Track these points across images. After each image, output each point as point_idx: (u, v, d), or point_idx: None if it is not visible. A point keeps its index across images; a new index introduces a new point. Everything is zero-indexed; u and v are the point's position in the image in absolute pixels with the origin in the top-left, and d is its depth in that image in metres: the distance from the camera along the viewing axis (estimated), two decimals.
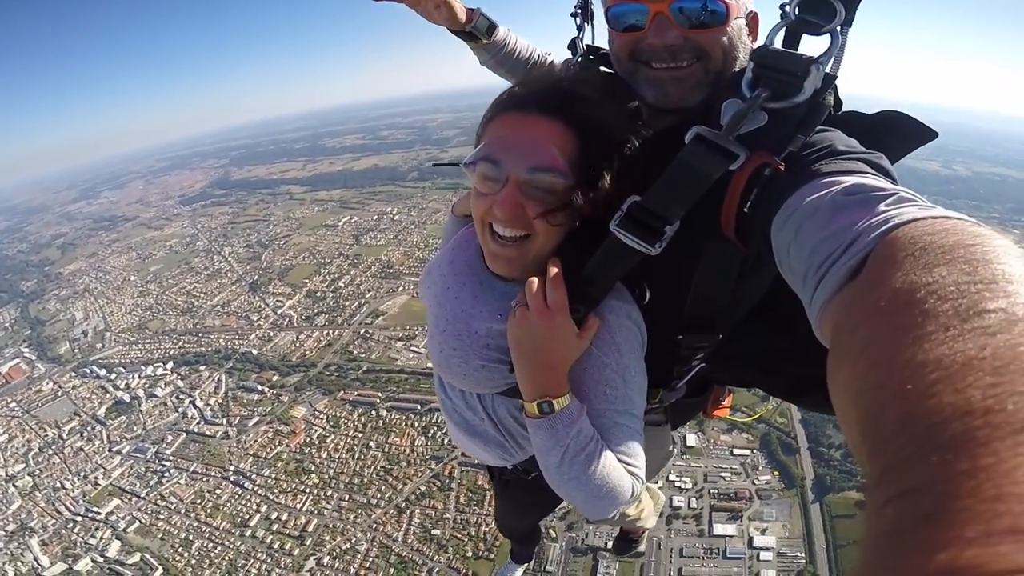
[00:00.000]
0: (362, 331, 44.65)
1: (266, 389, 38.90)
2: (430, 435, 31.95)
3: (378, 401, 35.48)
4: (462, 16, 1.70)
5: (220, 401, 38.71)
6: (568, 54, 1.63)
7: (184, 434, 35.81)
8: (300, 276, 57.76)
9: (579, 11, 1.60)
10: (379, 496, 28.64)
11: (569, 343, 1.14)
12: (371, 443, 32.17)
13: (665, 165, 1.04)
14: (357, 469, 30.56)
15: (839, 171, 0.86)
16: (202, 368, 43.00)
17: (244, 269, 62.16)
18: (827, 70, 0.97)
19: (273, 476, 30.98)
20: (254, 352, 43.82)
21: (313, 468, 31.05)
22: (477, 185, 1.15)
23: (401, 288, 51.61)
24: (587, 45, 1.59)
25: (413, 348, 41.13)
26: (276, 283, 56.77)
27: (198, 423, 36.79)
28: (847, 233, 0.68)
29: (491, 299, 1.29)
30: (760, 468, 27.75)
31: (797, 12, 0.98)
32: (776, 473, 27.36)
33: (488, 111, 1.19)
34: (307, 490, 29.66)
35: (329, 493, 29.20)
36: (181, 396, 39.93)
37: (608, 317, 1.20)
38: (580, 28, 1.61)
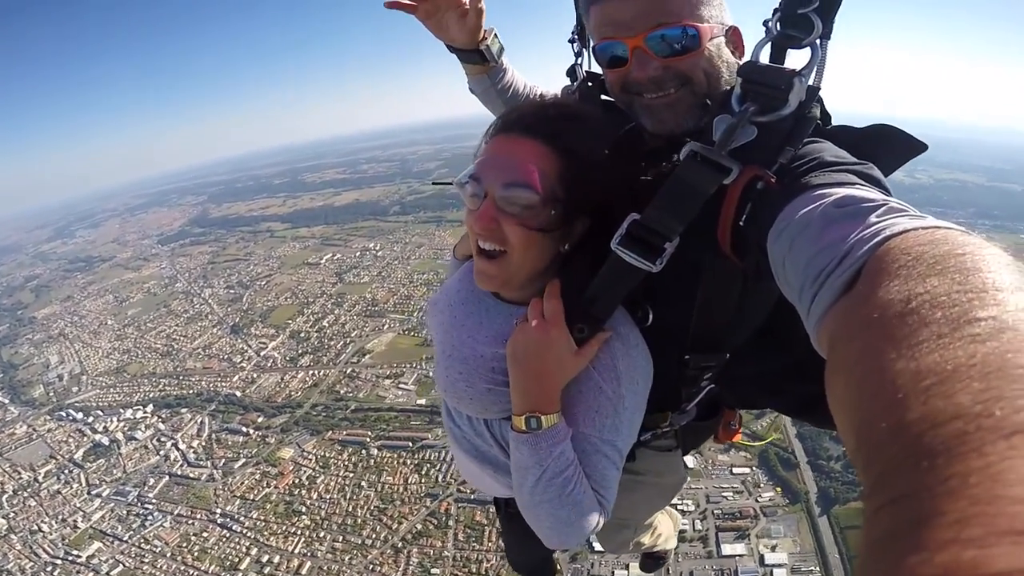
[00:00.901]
0: (349, 370, 46.22)
1: (251, 431, 39.93)
2: (424, 472, 33.06)
3: (368, 440, 36.68)
4: (479, 32, 1.66)
5: (204, 443, 39.66)
6: (567, 80, 1.67)
7: (167, 477, 36.53)
8: (283, 317, 59.33)
9: (576, 37, 1.62)
10: (374, 536, 29.45)
11: (564, 358, 1.16)
12: (363, 482, 33.18)
13: (661, 183, 1.11)
14: (350, 509, 31.42)
15: (830, 183, 0.90)
16: (184, 411, 44.04)
17: (225, 311, 63.56)
18: (810, 82, 1.04)
19: (262, 518, 31.76)
20: (238, 394, 45.02)
21: (304, 509, 31.89)
22: (466, 202, 1.20)
23: (387, 326, 53.54)
24: (586, 71, 1.61)
25: (402, 385, 42.70)
26: (259, 325, 58.19)
27: (181, 465, 37.59)
28: (840, 246, 0.71)
29: (496, 324, 1.33)
30: (761, 485, 28.75)
31: (779, 28, 1.05)
32: (778, 489, 28.52)
33: (483, 136, 1.26)
34: (299, 532, 30.40)
35: (322, 535, 29.96)
36: (163, 439, 40.82)
37: (614, 344, 1.22)
38: (578, 54, 1.64)
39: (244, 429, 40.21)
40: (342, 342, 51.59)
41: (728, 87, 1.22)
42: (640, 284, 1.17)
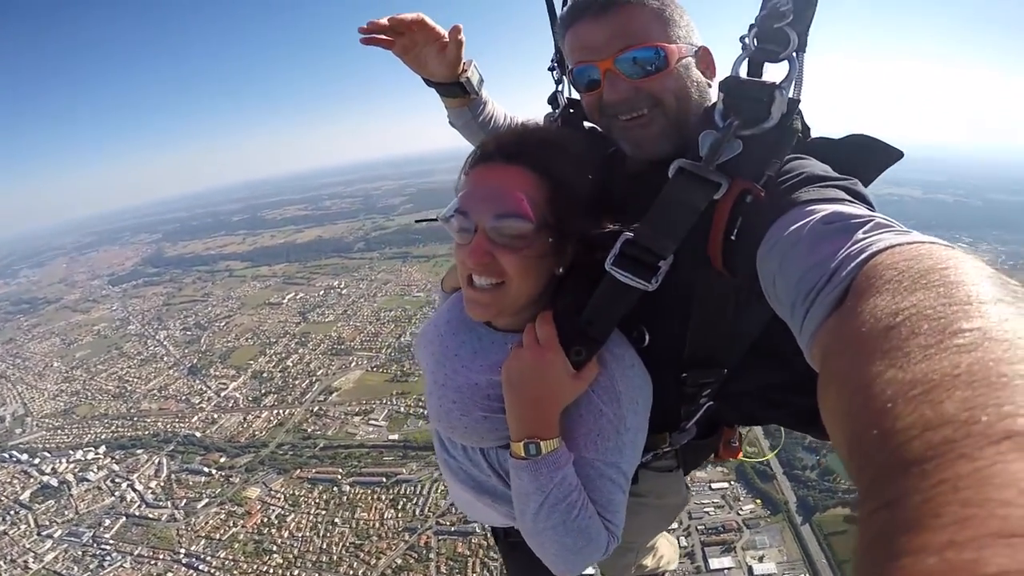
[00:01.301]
0: (315, 408, 46.03)
1: (214, 471, 39.28)
2: (400, 507, 33.05)
3: (339, 477, 36.54)
4: (458, 65, 1.66)
5: (163, 484, 38.75)
6: (549, 108, 1.70)
7: (124, 518, 35.45)
8: (244, 358, 58.73)
9: (556, 64, 1.65)
10: (352, 572, 29.24)
11: (561, 381, 1.16)
12: (336, 519, 32.95)
13: (650, 203, 1.13)
14: (324, 547, 31.10)
15: (817, 199, 0.93)
16: (139, 452, 42.93)
17: (182, 353, 62.41)
18: (790, 95, 1.06)
19: (231, 557, 31.15)
20: (197, 434, 44.18)
21: (275, 548, 31.41)
22: (455, 237, 1.21)
23: (354, 363, 53.68)
24: (568, 98, 1.63)
25: (372, 422, 42.81)
26: (218, 366, 57.42)
27: (139, 506, 36.70)
28: (829, 263, 0.74)
29: (491, 353, 1.32)
30: (741, 498, 29.51)
31: (756, 43, 1.07)
32: (759, 501, 29.33)
33: (463, 167, 1.26)
34: (271, 570, 30.02)
35: (296, 573, 29.66)
36: (117, 480, 39.70)
37: (612, 365, 1.22)
38: (559, 81, 1.66)
39: (206, 469, 39.58)
40: (307, 381, 51.38)
41: (700, 107, 1.27)
42: (635, 305, 1.18)
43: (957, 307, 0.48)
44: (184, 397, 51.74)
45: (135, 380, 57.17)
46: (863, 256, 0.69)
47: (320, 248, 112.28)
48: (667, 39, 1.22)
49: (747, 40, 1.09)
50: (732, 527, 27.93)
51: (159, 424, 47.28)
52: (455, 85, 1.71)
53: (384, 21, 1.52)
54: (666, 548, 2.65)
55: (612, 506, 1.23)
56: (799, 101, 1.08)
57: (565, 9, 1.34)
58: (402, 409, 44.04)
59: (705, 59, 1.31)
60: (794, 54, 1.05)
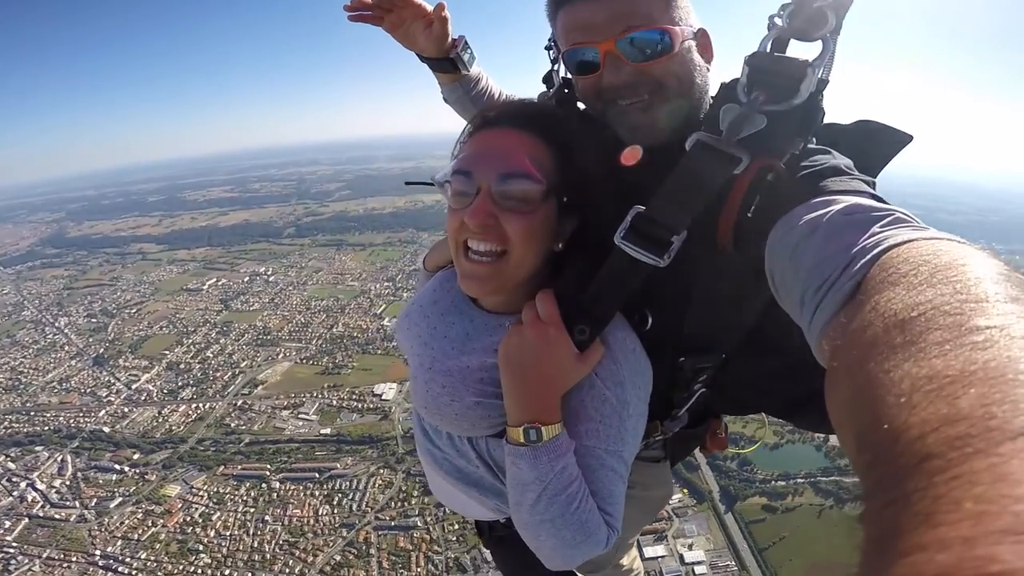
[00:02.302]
0: (239, 403, 44.85)
1: (126, 468, 37.72)
2: (336, 503, 32.89)
3: (268, 473, 35.88)
4: (448, 41, 1.74)
5: (68, 483, 36.83)
6: (544, 87, 1.69)
7: (26, 519, 33.62)
8: (158, 347, 56.16)
9: (553, 44, 1.62)
10: (288, 570, 28.89)
11: (565, 362, 1.12)
12: (267, 517, 32.45)
13: (650, 184, 1.12)
14: (256, 545, 30.56)
15: (840, 190, 0.94)
16: (39, 449, 40.51)
17: (86, 342, 58.80)
18: (820, 75, 1.04)
19: (153, 558, 30.16)
20: (105, 430, 42.16)
21: (201, 547, 30.60)
22: (451, 202, 1.17)
23: (281, 355, 52.50)
24: (563, 77, 1.61)
25: (302, 416, 42.19)
26: (128, 356, 54.70)
27: (43, 506, 34.70)
28: (843, 255, 0.74)
29: (484, 334, 1.28)
30: None
31: (789, 21, 1.05)
32: (685, 491, 31.33)
33: (460, 136, 1.26)
34: (198, 571, 29.26)
35: (227, 572, 29.06)
36: (14, 479, 37.32)
37: (615, 348, 1.19)
38: (555, 61, 1.64)
39: (117, 466, 37.90)
40: (230, 373, 49.91)
41: (701, 92, 1.27)
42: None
43: (975, 304, 0.48)
44: (89, 390, 49.01)
45: (31, 372, 53.23)
46: (878, 250, 0.69)
47: (246, 232, 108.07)
48: (671, 20, 1.19)
49: (779, 20, 1.07)
50: (662, 516, 29.01)
51: (60, 419, 44.55)
52: (446, 61, 1.81)
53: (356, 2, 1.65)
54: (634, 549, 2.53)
55: (612, 498, 1.19)
56: (828, 82, 1.07)
57: None
58: (334, 403, 43.76)
59: (704, 42, 1.29)
60: (828, 35, 1.03)
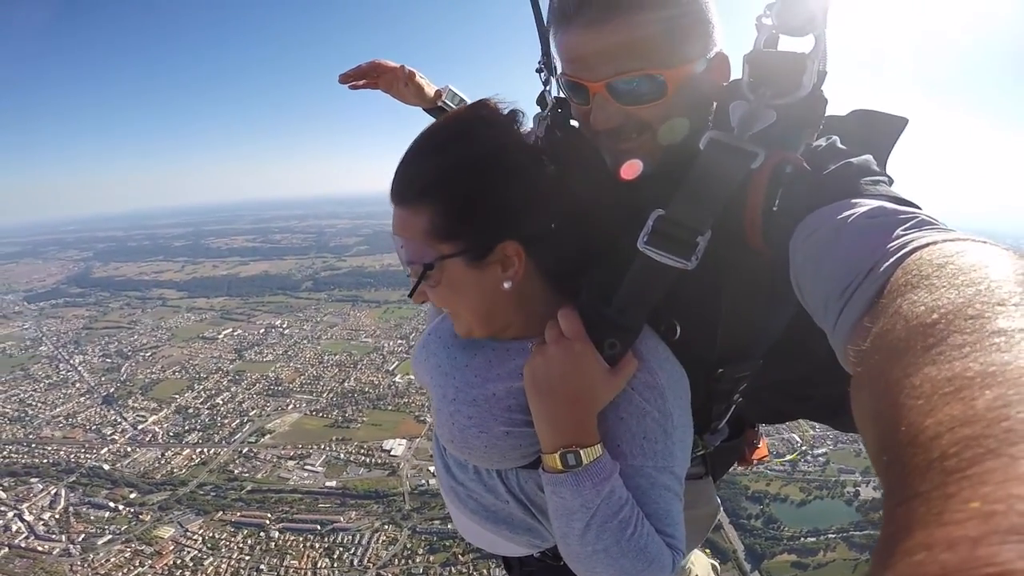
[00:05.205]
0: (245, 450, 45.03)
1: (120, 506, 37.76)
2: (336, 556, 32.34)
3: (268, 522, 35.57)
4: (431, 93, 1.95)
5: (58, 516, 36.95)
6: (537, 108, 1.70)
7: (6, 548, 33.59)
8: (169, 391, 57.09)
9: (543, 66, 1.66)
10: None
11: (596, 377, 1.08)
12: (262, 566, 31.99)
13: (653, 193, 1.13)
14: None
15: (862, 192, 0.95)
16: (34, 480, 40.88)
17: (98, 380, 60.18)
18: (818, 67, 1.06)
19: None
20: (105, 467, 42.51)
21: None
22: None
23: (292, 406, 52.95)
24: (555, 97, 1.62)
25: (308, 467, 42.12)
26: (138, 397, 55.67)
27: (26, 537, 34.81)
28: (867, 260, 0.75)
29: (507, 359, 1.24)
30: None
31: (776, 20, 1.06)
32: (707, 551, 30.68)
33: None
34: None
35: None
36: (2, 508, 37.58)
37: (648, 358, 1.15)
38: (546, 83, 1.67)
39: (111, 504, 38.03)
40: (238, 420, 50.42)
41: (697, 124, 1.23)
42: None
43: (997, 305, 0.49)
44: (94, 427, 49.76)
45: (39, 405, 54.57)
46: (901, 253, 0.71)
47: (265, 284, 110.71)
48: (675, 60, 1.13)
49: (766, 19, 1.08)
50: None
51: (61, 453, 45.23)
52: (437, 110, 2.00)
53: (351, 72, 1.94)
54: (701, 566, 2.42)
55: (670, 517, 1.14)
56: (826, 73, 1.09)
57: (559, 2, 1.18)
58: (341, 456, 43.68)
59: (719, 68, 1.22)
60: (818, 29, 1.06)
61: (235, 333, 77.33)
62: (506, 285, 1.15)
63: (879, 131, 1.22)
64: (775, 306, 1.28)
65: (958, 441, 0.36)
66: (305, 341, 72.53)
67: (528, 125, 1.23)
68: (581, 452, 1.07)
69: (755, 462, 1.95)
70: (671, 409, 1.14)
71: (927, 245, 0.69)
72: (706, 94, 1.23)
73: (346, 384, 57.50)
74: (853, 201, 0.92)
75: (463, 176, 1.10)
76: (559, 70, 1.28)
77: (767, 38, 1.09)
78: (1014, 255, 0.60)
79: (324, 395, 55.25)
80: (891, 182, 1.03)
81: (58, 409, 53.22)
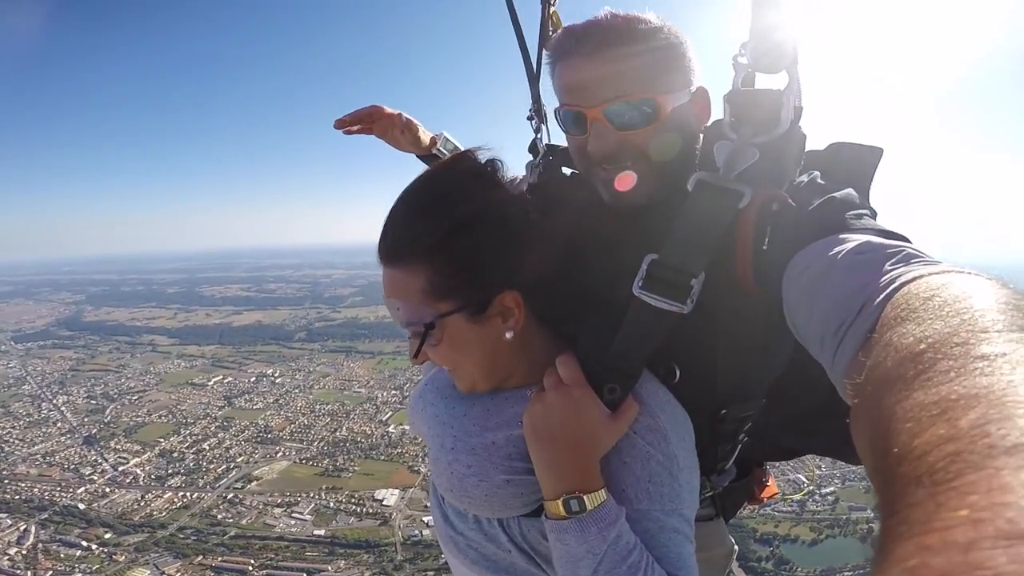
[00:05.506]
0: (230, 495, 43.58)
1: (93, 546, 36.37)
2: None
3: (250, 568, 34.29)
4: (426, 140, 1.94)
5: (25, 552, 35.55)
6: (529, 156, 1.74)
7: None
8: (153, 434, 55.67)
9: (533, 113, 1.74)
10: None
11: (597, 422, 1.08)
12: None
13: (648, 233, 1.16)
14: None
15: (849, 227, 0.97)
16: (2, 515, 39.38)
17: (80, 421, 58.74)
18: (794, 103, 1.10)
19: None
20: (80, 506, 41.18)
21: None
22: None
23: (281, 454, 51.54)
24: (546, 144, 1.69)
25: (295, 515, 40.65)
26: (121, 439, 54.27)
27: None
28: (859, 296, 0.78)
29: (506, 407, 1.23)
30: None
31: (751, 59, 1.11)
32: None
33: None
34: None
35: None
36: None
37: (649, 401, 1.16)
38: (537, 130, 1.73)
39: (84, 543, 36.58)
40: (224, 466, 49.02)
41: (686, 154, 1.29)
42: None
43: (980, 333, 0.52)
44: (73, 466, 48.31)
45: (16, 442, 53.09)
46: (891, 288, 0.73)
47: (258, 334, 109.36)
48: (663, 87, 1.21)
49: (741, 58, 1.13)
50: None
51: (35, 490, 43.75)
52: (430, 157, 2.00)
53: (347, 117, 1.89)
54: None
55: (681, 560, 1.11)
56: (802, 108, 1.13)
57: (557, 37, 1.29)
58: (331, 504, 42.28)
59: (701, 101, 1.29)
60: (791, 65, 1.10)
61: (225, 380, 75.90)
62: (508, 335, 1.16)
63: (857, 163, 1.25)
64: (773, 344, 1.30)
65: (944, 457, 0.38)
66: (297, 390, 71.32)
67: (510, 173, 1.24)
68: (585, 498, 1.06)
69: (765, 500, 1.94)
70: (675, 451, 1.14)
71: (914, 279, 0.71)
72: (692, 127, 1.30)
73: (338, 433, 56.21)
74: (841, 236, 0.94)
75: (456, 234, 1.10)
76: (557, 104, 1.33)
77: (744, 77, 1.15)
78: (997, 284, 0.63)
79: (315, 444, 53.94)
80: (874, 215, 1.06)
81: (36, 447, 51.72)
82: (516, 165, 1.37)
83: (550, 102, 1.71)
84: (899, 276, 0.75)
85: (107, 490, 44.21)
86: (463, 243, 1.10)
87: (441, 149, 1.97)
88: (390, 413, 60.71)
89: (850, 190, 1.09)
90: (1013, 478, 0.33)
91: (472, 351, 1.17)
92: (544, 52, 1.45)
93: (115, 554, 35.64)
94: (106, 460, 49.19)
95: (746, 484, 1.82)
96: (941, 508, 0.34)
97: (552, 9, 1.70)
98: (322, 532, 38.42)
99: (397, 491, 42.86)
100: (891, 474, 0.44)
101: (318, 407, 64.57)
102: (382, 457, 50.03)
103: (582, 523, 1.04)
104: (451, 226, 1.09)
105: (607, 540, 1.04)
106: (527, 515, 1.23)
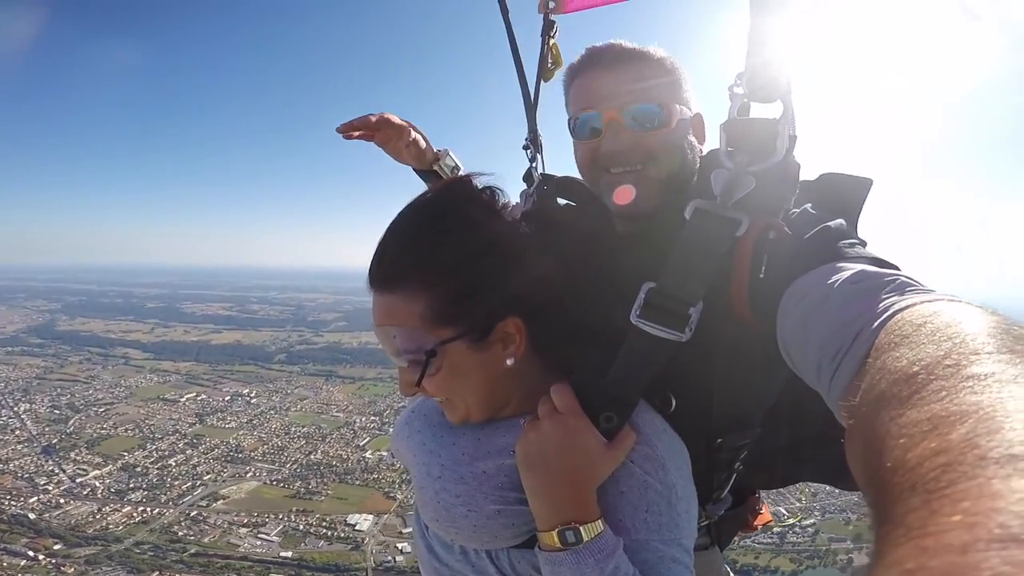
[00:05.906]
0: (193, 513, 41.72)
1: (40, 556, 34.42)
2: None
3: None
4: (429, 155, 1.91)
5: None
6: (523, 185, 1.77)
7: None
8: (117, 447, 53.58)
9: (529, 143, 1.80)
10: None
11: (593, 451, 1.06)
12: None
13: (649, 257, 1.18)
14: None
15: (844, 256, 0.99)
16: None
17: (41, 430, 56.48)
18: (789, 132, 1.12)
19: None
20: (30, 516, 39.20)
21: None
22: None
23: (251, 474, 49.68)
24: (541, 174, 1.73)
25: (262, 536, 39.02)
26: (82, 451, 52.17)
27: None
28: (854, 325, 0.80)
29: (497, 436, 1.20)
30: None
31: (746, 89, 1.14)
32: None
33: None
34: None
35: None
36: None
37: (646, 430, 1.15)
38: (532, 160, 1.78)
39: (31, 553, 34.68)
40: (190, 483, 47.00)
41: (689, 169, 1.38)
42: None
43: (971, 355, 0.55)
44: (27, 475, 46.00)
45: None
46: (885, 316, 0.75)
47: (236, 353, 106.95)
48: (672, 99, 1.33)
49: (736, 88, 1.16)
50: None
51: None
52: (431, 172, 1.96)
53: (355, 122, 1.83)
54: None
55: None
56: (796, 137, 1.13)
57: (578, 59, 1.42)
58: (301, 527, 40.62)
59: (698, 126, 1.41)
60: (785, 95, 1.13)
61: (198, 398, 73.90)
62: (509, 362, 1.14)
63: (848, 194, 1.28)
64: (768, 372, 1.30)
65: (936, 467, 0.40)
66: (272, 411, 69.50)
67: (507, 199, 1.21)
68: (581, 529, 1.03)
69: (758, 527, 1.95)
70: (673, 480, 1.12)
71: (908, 307, 0.74)
72: (693, 145, 1.38)
73: (312, 456, 54.55)
74: (836, 266, 0.96)
75: (461, 259, 1.09)
76: (571, 114, 1.41)
77: (739, 106, 1.17)
78: (986, 311, 0.66)
79: (287, 465, 52.13)
80: (864, 244, 1.07)
81: None
82: (509, 194, 1.36)
83: (546, 133, 1.82)
84: (893, 304, 0.77)
85: (61, 501, 42.15)
86: (468, 268, 1.10)
87: (442, 166, 1.94)
88: (368, 439, 59.14)
89: (842, 220, 1.12)
90: (1003, 486, 0.34)
91: (471, 379, 1.15)
92: (564, 71, 1.49)
93: (63, 565, 33.88)
94: (63, 471, 47.06)
95: (741, 512, 1.80)
96: (936, 514, 0.35)
97: (552, 41, 1.81)
98: (289, 554, 36.97)
99: (371, 516, 41.37)
100: (885, 485, 0.46)
101: (293, 429, 62.78)
102: (357, 482, 48.46)
103: (578, 555, 1.02)
104: (455, 251, 1.09)
105: (604, 572, 1.01)
106: (516, 546, 1.19)
